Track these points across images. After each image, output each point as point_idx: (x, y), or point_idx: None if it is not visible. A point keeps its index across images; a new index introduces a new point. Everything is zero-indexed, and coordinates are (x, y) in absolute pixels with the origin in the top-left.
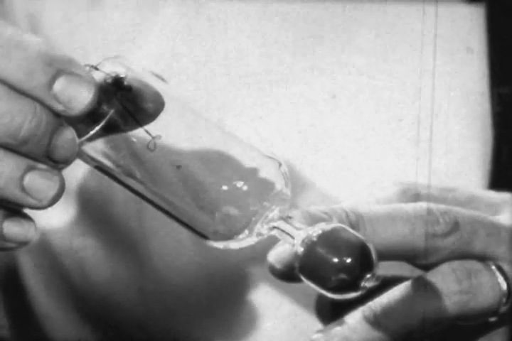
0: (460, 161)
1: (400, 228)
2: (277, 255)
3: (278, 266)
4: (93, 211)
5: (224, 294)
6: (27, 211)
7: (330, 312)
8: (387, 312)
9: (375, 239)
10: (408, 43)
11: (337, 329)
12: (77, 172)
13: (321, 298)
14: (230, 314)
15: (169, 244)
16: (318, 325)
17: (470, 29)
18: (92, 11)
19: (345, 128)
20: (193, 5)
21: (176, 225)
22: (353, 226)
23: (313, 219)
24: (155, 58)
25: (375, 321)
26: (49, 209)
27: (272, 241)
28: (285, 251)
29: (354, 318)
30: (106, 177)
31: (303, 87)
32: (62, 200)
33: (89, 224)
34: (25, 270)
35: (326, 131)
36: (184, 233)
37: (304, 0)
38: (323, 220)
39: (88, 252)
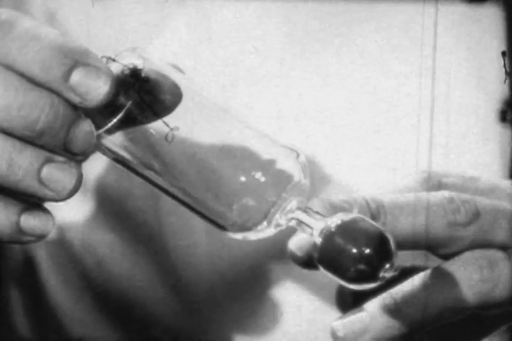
0: (478, 156)
1: (421, 217)
2: (298, 242)
3: (299, 254)
4: (111, 206)
5: (241, 290)
6: (45, 205)
7: (351, 302)
8: (408, 300)
9: (395, 228)
10: (408, 43)
11: (356, 317)
12: (95, 167)
13: (342, 288)
14: (247, 309)
15: (186, 240)
16: (333, 318)
17: (470, 29)
18: (110, 9)
19: (344, 128)
20: (196, 6)
21: (193, 221)
22: (373, 215)
23: (333, 208)
24: (171, 55)
25: (395, 309)
26: (67, 204)
27: (290, 235)
28: (306, 239)
29: (374, 306)
30: (124, 173)
31: (303, 87)
32: (80, 196)
33: (106, 219)
34: (42, 266)
35: (326, 131)
36: (201, 229)
37: (304, 0)
38: (343, 209)
39: (106, 248)
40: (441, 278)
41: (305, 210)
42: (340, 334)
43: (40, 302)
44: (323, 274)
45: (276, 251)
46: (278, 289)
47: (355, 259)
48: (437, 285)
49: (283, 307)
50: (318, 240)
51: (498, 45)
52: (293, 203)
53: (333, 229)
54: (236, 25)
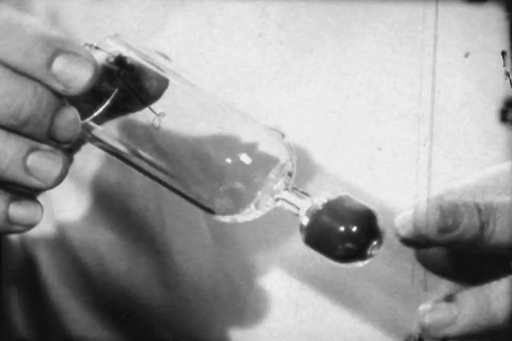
0: (479, 156)
1: None
2: (404, 219)
3: (402, 232)
4: (112, 205)
5: (244, 289)
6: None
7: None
8: (501, 298)
9: (505, 235)
10: (408, 43)
11: (445, 306)
12: (95, 166)
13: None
14: (250, 308)
15: (188, 238)
16: (328, 312)
17: (471, 29)
18: (112, 6)
19: (344, 127)
20: (196, 6)
21: (196, 220)
22: (483, 222)
23: (442, 211)
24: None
25: (487, 305)
26: (67, 202)
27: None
28: (409, 216)
29: (465, 298)
30: (125, 171)
31: (302, 87)
32: (80, 194)
33: (107, 218)
34: (42, 264)
35: (325, 130)
36: (204, 228)
37: (305, 0)
38: (453, 214)
39: (106, 246)
40: None
41: (291, 190)
42: (426, 321)
43: (39, 301)
44: (326, 274)
45: (282, 249)
46: (283, 288)
47: (343, 237)
48: None
49: (288, 307)
50: (305, 220)
51: (499, 44)
52: (279, 184)
53: (319, 208)
54: (236, 24)
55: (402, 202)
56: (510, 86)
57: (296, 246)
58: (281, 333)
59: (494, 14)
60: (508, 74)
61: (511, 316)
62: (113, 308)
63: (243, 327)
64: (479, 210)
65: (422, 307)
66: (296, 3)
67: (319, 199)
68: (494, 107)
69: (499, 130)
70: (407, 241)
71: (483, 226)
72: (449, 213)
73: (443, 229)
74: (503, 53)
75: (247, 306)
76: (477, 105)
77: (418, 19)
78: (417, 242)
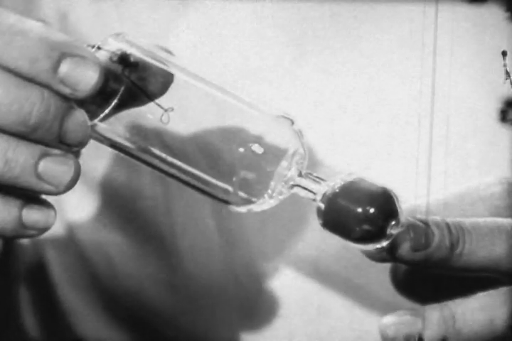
0: (478, 156)
1: (499, 249)
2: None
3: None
4: (121, 206)
5: (248, 289)
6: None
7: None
8: (467, 318)
9: (472, 257)
10: (409, 43)
11: (409, 320)
12: (104, 166)
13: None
14: (259, 310)
15: (197, 239)
16: (337, 312)
17: (471, 29)
18: (122, 7)
19: (345, 128)
20: (199, 8)
21: (205, 221)
22: (452, 243)
23: (409, 227)
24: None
25: (452, 321)
26: (76, 203)
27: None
28: None
29: (431, 313)
30: (133, 172)
31: (303, 87)
32: (89, 195)
33: (116, 219)
34: (51, 265)
35: (326, 131)
36: (213, 229)
37: (305, 0)
38: (420, 229)
39: (115, 247)
40: (503, 301)
41: (305, 176)
42: (390, 334)
43: (49, 301)
44: (335, 274)
45: (290, 250)
46: (291, 289)
47: (360, 219)
48: (499, 308)
49: (296, 307)
50: (322, 204)
51: (499, 44)
52: (292, 170)
53: (336, 190)
54: (238, 26)
55: (402, 202)
56: (510, 86)
57: (304, 247)
58: (289, 334)
59: (494, 14)
60: (508, 74)
61: (475, 332)
62: (121, 309)
63: (251, 328)
64: (450, 231)
65: (385, 320)
66: (298, 5)
67: (335, 182)
68: (494, 107)
69: (499, 130)
70: (376, 258)
71: (452, 247)
72: (422, 232)
73: (414, 248)
74: (503, 53)
75: (255, 307)
76: (477, 105)
77: (418, 19)
78: (386, 259)
